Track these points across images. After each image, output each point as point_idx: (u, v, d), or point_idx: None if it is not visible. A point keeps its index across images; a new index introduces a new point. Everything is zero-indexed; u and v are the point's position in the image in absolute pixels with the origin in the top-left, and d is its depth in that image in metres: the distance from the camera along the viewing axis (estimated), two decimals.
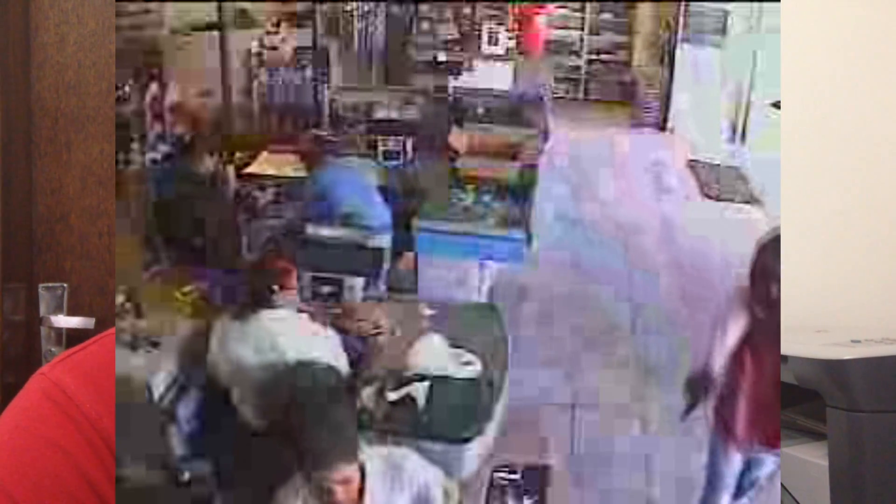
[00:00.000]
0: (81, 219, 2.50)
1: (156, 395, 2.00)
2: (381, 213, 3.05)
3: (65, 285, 2.45)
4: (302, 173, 3.09)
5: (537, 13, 6.45)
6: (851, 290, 2.54)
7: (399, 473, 1.52)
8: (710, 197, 5.04)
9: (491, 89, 5.11)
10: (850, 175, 2.57)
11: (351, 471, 1.37)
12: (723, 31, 5.86)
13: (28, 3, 2.49)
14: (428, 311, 2.39)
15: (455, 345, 2.23)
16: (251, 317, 1.85)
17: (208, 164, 3.05)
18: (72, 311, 2.41)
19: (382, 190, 3.13)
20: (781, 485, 1.94)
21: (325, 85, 4.07)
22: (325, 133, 3.31)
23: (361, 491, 1.45)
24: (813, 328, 2.22)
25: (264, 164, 3.51)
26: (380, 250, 2.87)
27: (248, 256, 1.99)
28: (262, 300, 1.86)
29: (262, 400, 1.78)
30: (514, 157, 3.61)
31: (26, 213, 2.50)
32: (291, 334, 1.87)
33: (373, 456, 1.49)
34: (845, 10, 2.58)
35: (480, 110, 4.42)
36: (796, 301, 2.49)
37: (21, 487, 0.98)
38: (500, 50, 5.92)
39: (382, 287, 2.94)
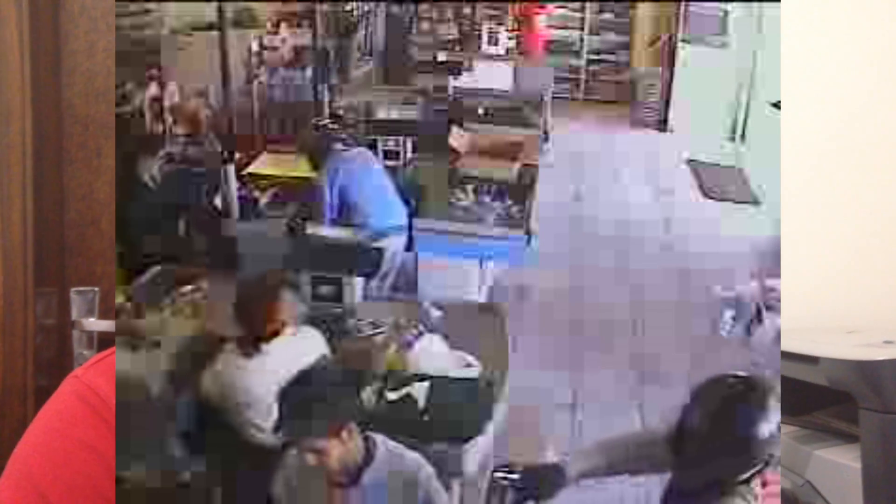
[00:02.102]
0: (112, 223, 2.52)
1: (154, 395, 2.00)
2: (397, 211, 3.06)
3: (96, 289, 2.46)
4: (307, 173, 3.09)
5: (537, 13, 6.47)
6: (883, 290, 2.51)
7: (401, 462, 1.53)
8: (710, 197, 5.05)
9: (491, 89, 5.12)
10: (883, 176, 2.56)
11: (321, 444, 1.43)
12: (723, 31, 5.87)
13: (58, 11, 2.50)
14: (436, 313, 2.39)
15: (455, 345, 2.23)
16: (254, 352, 1.87)
17: (146, 166, 3.09)
18: (103, 315, 2.42)
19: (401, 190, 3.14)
20: (814, 488, 1.92)
21: (325, 85, 4.06)
22: (327, 122, 3.29)
23: (361, 470, 1.49)
24: (844, 329, 2.18)
25: (264, 164, 3.51)
26: (380, 251, 2.87)
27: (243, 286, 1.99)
28: (260, 338, 1.89)
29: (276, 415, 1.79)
30: (514, 157, 3.61)
31: (58, 218, 2.51)
32: (294, 349, 1.89)
33: (378, 443, 1.52)
34: (845, 11, 2.58)
35: (480, 110, 4.43)
36: (827, 301, 2.46)
37: (55, 488, 1.00)
38: (500, 50, 5.93)
39: (387, 287, 2.94)
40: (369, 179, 3.01)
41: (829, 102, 2.55)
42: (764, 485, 1.21)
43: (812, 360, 1.90)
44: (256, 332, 1.88)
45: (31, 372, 2.43)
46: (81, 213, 2.55)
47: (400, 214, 3.03)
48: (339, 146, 3.03)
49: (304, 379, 1.52)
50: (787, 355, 2.02)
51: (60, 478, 1.00)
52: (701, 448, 1.19)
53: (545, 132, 4.78)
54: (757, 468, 1.19)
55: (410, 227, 3.06)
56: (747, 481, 1.19)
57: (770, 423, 1.18)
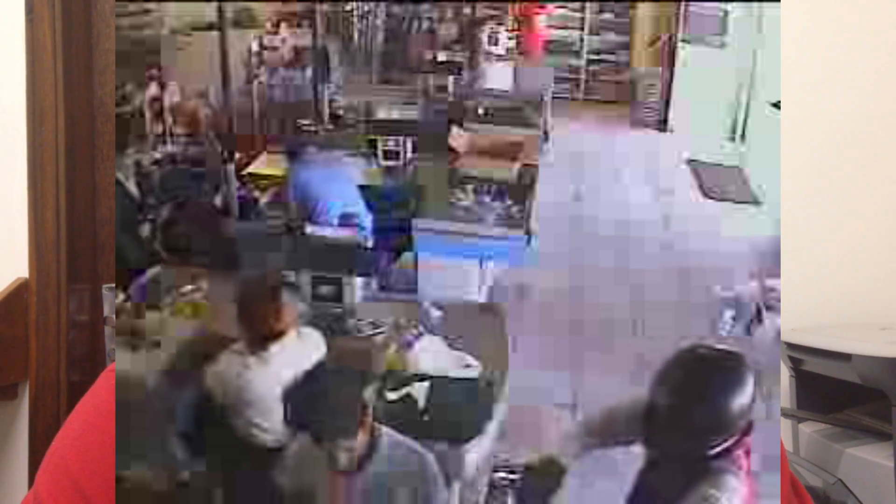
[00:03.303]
0: None
1: (154, 395, 2.00)
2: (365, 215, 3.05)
3: None
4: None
5: (537, 13, 6.46)
6: None
7: (404, 452, 1.53)
8: (710, 197, 5.05)
9: (491, 89, 5.12)
10: (891, 172, 2.55)
11: (352, 443, 1.44)
12: (723, 31, 5.87)
13: (90, 11, 2.53)
14: (436, 313, 2.39)
15: (455, 345, 2.23)
16: (260, 353, 1.86)
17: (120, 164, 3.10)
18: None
19: (364, 190, 3.13)
20: (845, 486, 1.91)
21: (326, 85, 4.07)
22: (307, 122, 3.31)
23: (364, 459, 1.48)
24: (877, 326, 2.19)
25: (264, 164, 3.52)
26: (377, 251, 2.87)
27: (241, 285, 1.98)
28: (266, 338, 1.88)
29: (280, 415, 1.79)
30: (514, 157, 3.61)
31: (90, 215, 2.55)
32: (297, 350, 1.88)
33: (383, 433, 1.52)
34: (845, 11, 2.58)
35: (480, 110, 4.43)
36: (859, 298, 2.46)
37: (92, 483, 1.00)
38: (500, 50, 5.93)
39: (374, 287, 2.94)
40: (332, 184, 3.01)
41: (828, 102, 2.55)
42: (748, 454, 1.18)
43: (844, 357, 1.89)
44: (259, 332, 1.88)
45: (64, 367, 2.48)
46: (113, 210, 2.58)
47: (368, 217, 3.03)
48: (309, 149, 3.04)
49: (322, 376, 1.53)
50: (819, 352, 2.01)
51: (98, 472, 1.01)
52: (668, 420, 1.16)
53: (545, 132, 4.78)
54: (733, 440, 1.16)
55: (409, 228, 3.06)
56: (727, 453, 1.16)
57: (743, 395, 1.15)
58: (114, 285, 2.50)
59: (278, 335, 1.87)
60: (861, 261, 2.52)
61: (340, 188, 3.03)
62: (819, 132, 2.53)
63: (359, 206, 3.04)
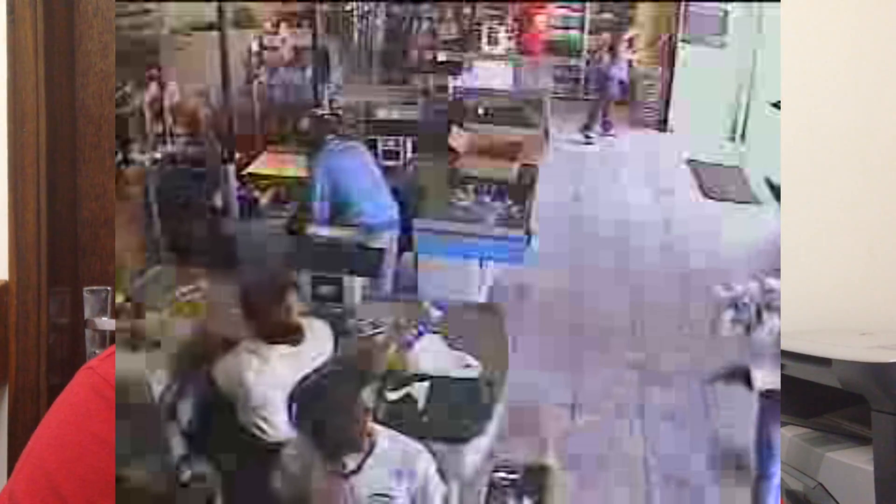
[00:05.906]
0: None
1: (156, 395, 2.00)
2: (389, 206, 3.06)
3: (109, 288, 2.50)
4: (303, 164, 3.09)
5: (537, 13, 6.47)
6: None
7: (401, 451, 1.53)
8: (710, 197, 5.05)
9: (491, 89, 5.12)
10: (889, 175, 2.55)
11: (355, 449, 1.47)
12: (723, 31, 5.87)
13: (72, 12, 2.53)
14: (436, 313, 2.39)
15: (455, 346, 2.23)
16: (270, 352, 1.86)
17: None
18: (116, 314, 2.45)
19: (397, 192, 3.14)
20: (825, 490, 1.93)
21: (326, 85, 4.07)
22: (325, 112, 3.31)
23: (363, 460, 1.49)
24: (857, 331, 2.19)
25: (264, 164, 3.52)
26: (381, 250, 2.87)
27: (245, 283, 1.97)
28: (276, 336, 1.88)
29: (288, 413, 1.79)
30: (513, 157, 3.61)
31: (71, 217, 2.55)
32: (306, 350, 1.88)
33: (380, 433, 1.53)
34: (845, 11, 2.58)
35: (480, 110, 4.43)
36: (840, 303, 2.46)
37: (68, 483, 0.99)
38: (500, 50, 5.93)
39: (388, 287, 2.94)
40: (362, 174, 3.01)
41: (829, 102, 2.55)
42: None
43: (825, 361, 1.89)
44: (268, 330, 1.88)
45: (44, 371, 2.47)
46: (95, 212, 2.59)
47: (392, 210, 3.03)
48: (331, 139, 3.03)
49: (327, 382, 1.52)
50: (799, 357, 2.01)
51: (74, 472, 1.00)
52: None
53: (545, 132, 4.78)
54: None
55: (410, 228, 3.06)
56: None
57: None
58: (94, 288, 2.50)
59: (286, 333, 1.87)
60: (842, 266, 2.52)
61: (371, 179, 3.04)
62: (807, 133, 2.53)
63: (382, 199, 3.04)
